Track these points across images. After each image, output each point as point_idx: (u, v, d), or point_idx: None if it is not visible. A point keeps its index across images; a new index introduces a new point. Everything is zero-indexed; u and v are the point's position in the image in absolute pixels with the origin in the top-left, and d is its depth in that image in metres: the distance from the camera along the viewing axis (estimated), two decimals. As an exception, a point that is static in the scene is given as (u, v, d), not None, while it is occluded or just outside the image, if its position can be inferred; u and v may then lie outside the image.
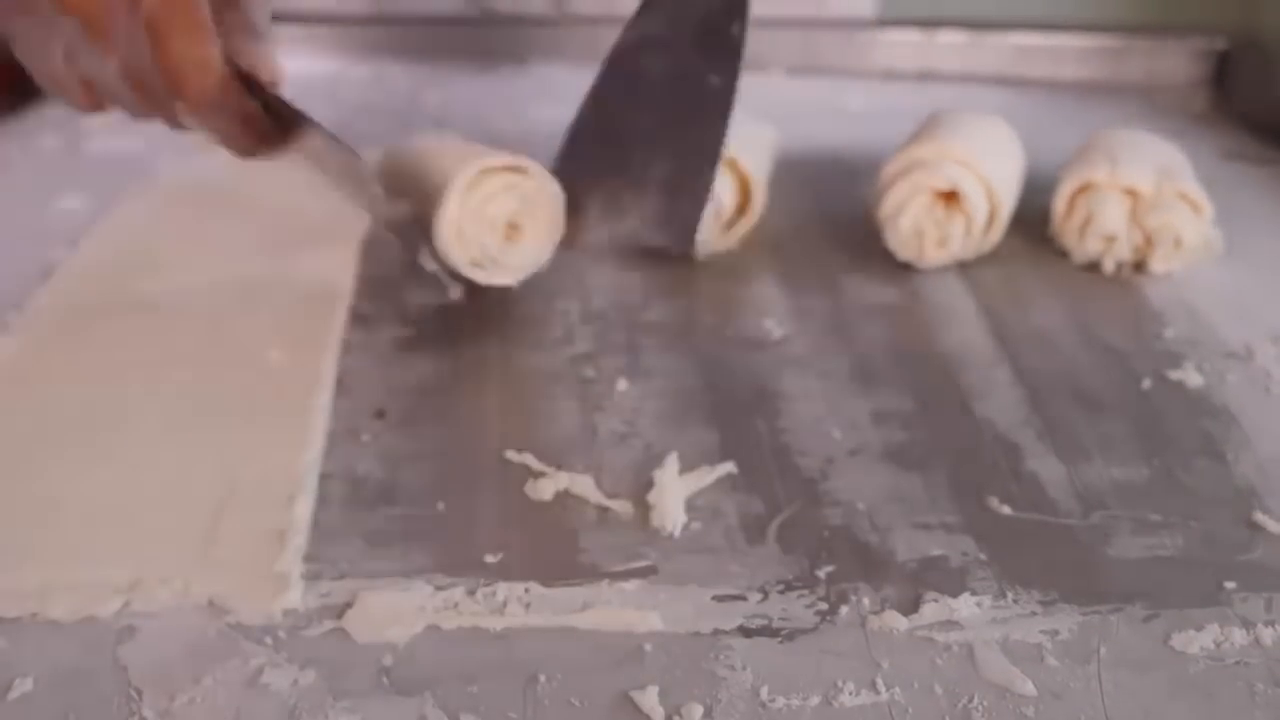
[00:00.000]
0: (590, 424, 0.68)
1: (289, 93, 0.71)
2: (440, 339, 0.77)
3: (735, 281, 0.84)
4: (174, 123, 0.69)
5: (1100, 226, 0.83)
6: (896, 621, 0.54)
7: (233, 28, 0.70)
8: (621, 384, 0.72)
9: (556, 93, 1.05)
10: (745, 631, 0.54)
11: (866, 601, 0.55)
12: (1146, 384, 0.72)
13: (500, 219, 0.75)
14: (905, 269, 0.85)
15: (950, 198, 0.83)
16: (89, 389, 0.70)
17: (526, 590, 0.56)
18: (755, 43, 0.78)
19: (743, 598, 0.56)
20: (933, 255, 0.83)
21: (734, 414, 0.69)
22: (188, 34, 0.64)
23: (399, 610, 0.55)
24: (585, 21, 1.38)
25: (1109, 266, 0.85)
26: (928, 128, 0.88)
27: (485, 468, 0.65)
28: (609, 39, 1.13)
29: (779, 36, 1.31)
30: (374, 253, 0.87)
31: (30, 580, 0.56)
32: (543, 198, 0.77)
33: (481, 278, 0.76)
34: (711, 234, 0.85)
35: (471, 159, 0.75)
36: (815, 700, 0.50)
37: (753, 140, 0.89)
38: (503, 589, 0.56)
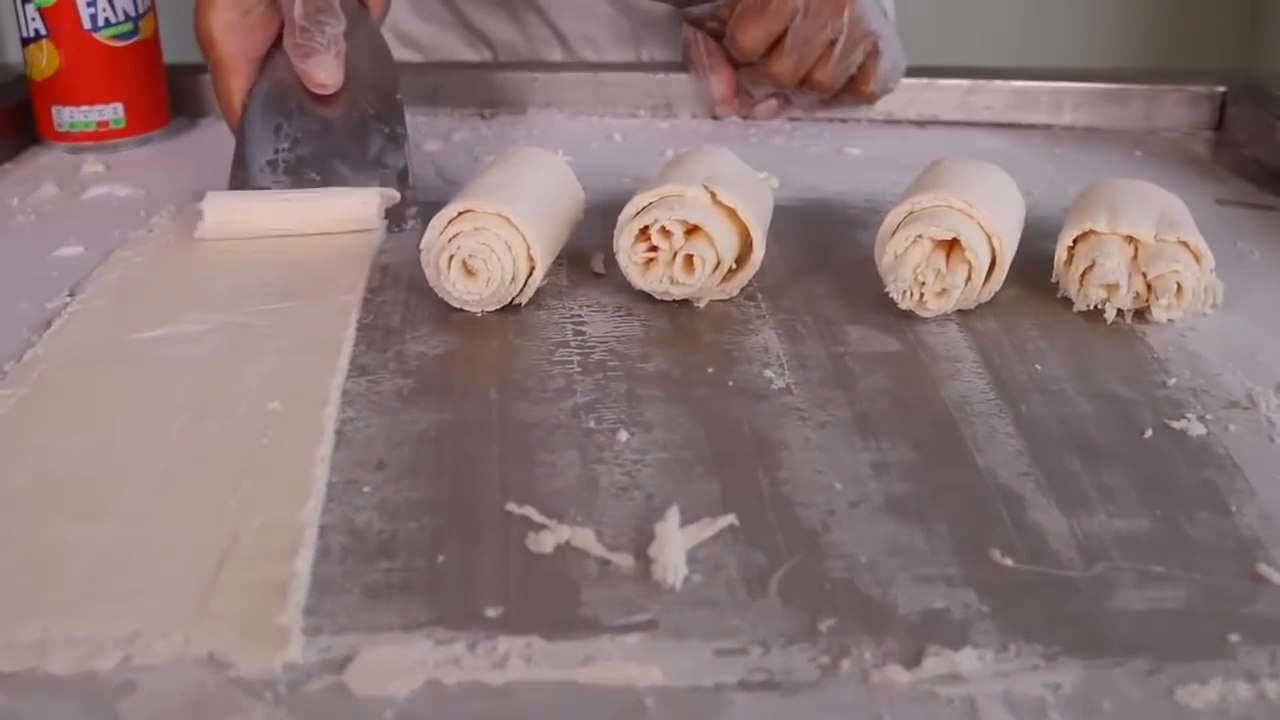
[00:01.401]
0: (591, 476, 0.68)
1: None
2: (441, 390, 0.77)
3: (735, 331, 0.84)
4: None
5: (1101, 275, 0.83)
6: (898, 675, 0.54)
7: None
8: (622, 435, 0.72)
9: (556, 140, 1.06)
10: (747, 686, 0.54)
11: (868, 655, 0.55)
12: (1149, 434, 0.72)
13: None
14: (906, 318, 0.85)
15: (951, 247, 0.83)
16: (87, 440, 0.70)
17: (528, 644, 0.55)
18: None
19: (744, 651, 0.55)
20: (934, 304, 0.83)
21: (735, 465, 0.69)
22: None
23: (400, 664, 0.54)
24: (585, 69, 1.39)
25: (1110, 315, 0.85)
26: (928, 176, 0.88)
27: (486, 520, 0.64)
28: (607, 86, 1.16)
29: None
30: (375, 303, 0.87)
31: (28, 634, 0.55)
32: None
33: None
34: (712, 283, 0.85)
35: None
36: (818, 756, 0.50)
37: (752, 189, 0.89)
38: (504, 643, 0.55)
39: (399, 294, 0.88)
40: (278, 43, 1.04)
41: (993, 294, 0.86)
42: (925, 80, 1.34)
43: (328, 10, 1.00)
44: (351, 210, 0.98)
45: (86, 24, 1.16)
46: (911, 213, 0.84)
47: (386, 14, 1.12)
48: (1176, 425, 0.73)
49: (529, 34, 1.48)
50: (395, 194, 1.00)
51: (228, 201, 0.98)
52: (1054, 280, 0.88)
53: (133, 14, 1.18)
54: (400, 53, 1.45)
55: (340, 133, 1.03)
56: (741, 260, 0.87)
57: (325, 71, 1.01)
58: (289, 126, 1.03)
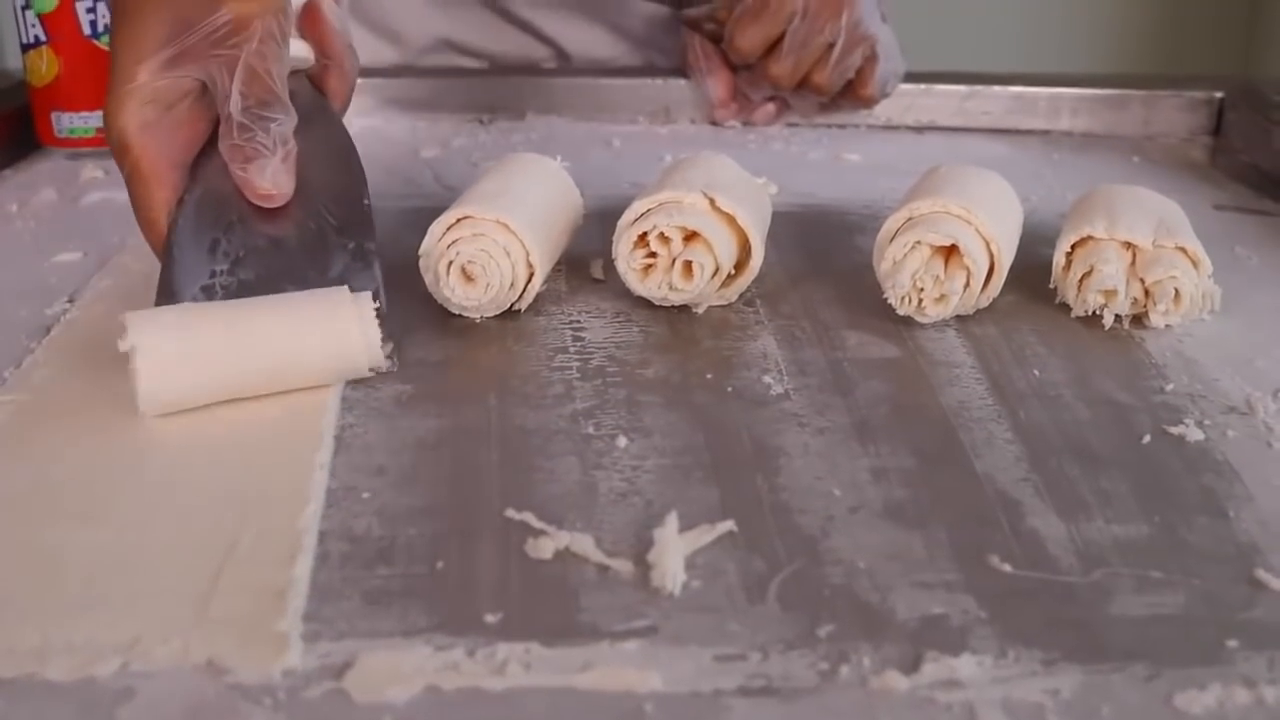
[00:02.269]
0: (590, 482, 0.68)
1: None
2: (440, 396, 0.77)
3: (734, 337, 0.84)
4: None
5: (1100, 281, 0.83)
6: (897, 681, 0.54)
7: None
8: (621, 441, 0.72)
9: (554, 146, 1.06)
10: (746, 691, 0.54)
11: (867, 661, 0.55)
12: (1147, 439, 0.72)
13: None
14: (904, 324, 0.85)
15: (950, 253, 0.83)
16: (87, 446, 0.70)
17: (527, 650, 0.55)
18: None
19: (743, 657, 0.55)
20: (932, 310, 0.83)
21: (734, 471, 0.69)
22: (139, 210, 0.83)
23: (399, 670, 0.54)
24: (583, 74, 1.39)
25: (1108, 320, 0.85)
26: (926, 182, 0.88)
27: (485, 526, 0.64)
28: (605, 92, 1.15)
29: (777, 89, 1.31)
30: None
31: (27, 640, 0.55)
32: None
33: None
34: (711, 289, 0.85)
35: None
36: (817, 762, 0.50)
37: (751, 195, 0.89)
38: (503, 649, 0.55)
39: (398, 300, 0.88)
40: (213, 141, 0.84)
41: (991, 300, 0.86)
42: (923, 86, 1.34)
43: (272, 103, 0.82)
44: (340, 345, 0.76)
45: (86, 30, 1.16)
46: (910, 219, 0.84)
47: (350, 102, 0.96)
48: (1175, 431, 0.73)
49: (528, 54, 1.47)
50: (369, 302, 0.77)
51: (160, 347, 0.72)
52: (1052, 286, 0.88)
53: (132, 20, 1.18)
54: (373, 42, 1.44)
55: (293, 250, 0.82)
56: (740, 266, 0.87)
57: (270, 179, 0.82)
58: (228, 243, 0.82)
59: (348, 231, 0.83)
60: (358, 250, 0.82)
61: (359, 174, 0.87)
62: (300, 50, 0.90)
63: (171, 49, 0.80)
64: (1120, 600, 0.59)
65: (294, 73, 0.87)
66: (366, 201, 0.84)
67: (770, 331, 0.85)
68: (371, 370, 0.77)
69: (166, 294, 0.79)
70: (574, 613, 0.58)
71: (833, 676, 0.54)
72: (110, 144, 0.82)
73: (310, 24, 0.92)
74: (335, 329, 0.75)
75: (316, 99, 0.92)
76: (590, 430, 0.73)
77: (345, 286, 0.77)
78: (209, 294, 0.79)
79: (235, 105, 0.80)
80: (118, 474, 0.68)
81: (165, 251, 0.81)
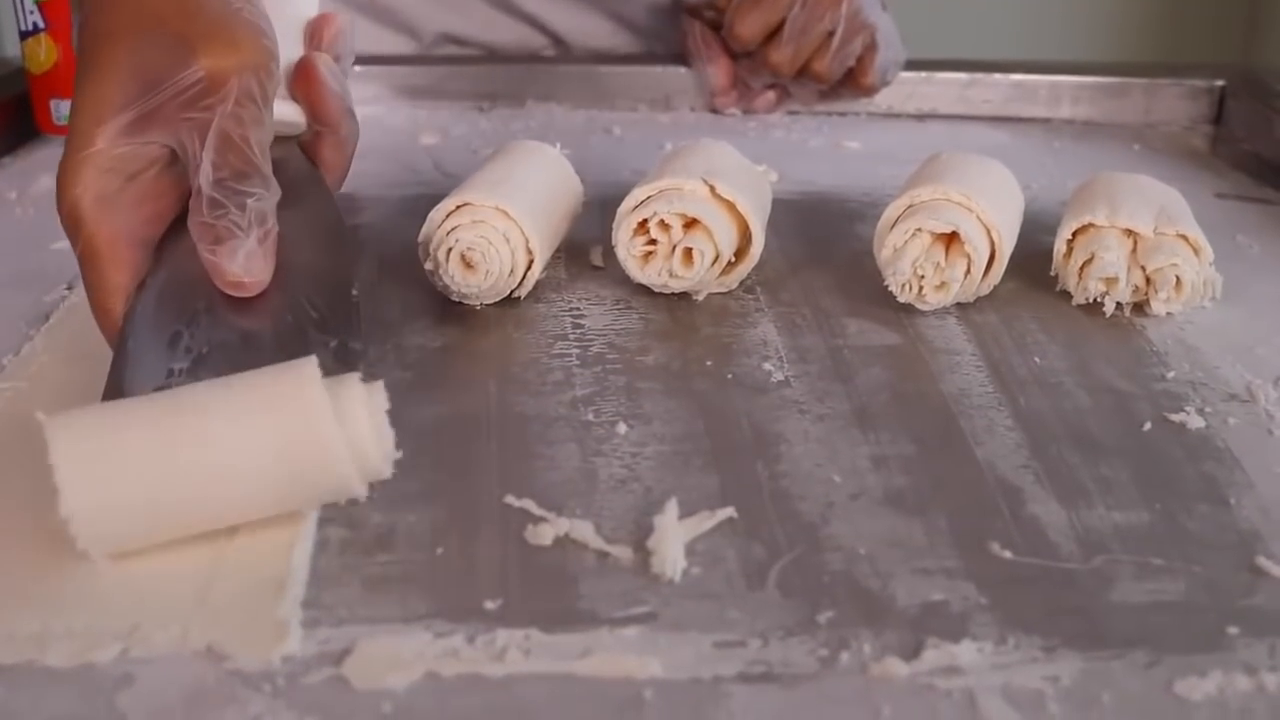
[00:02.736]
0: (590, 469, 0.68)
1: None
2: (439, 382, 0.77)
3: (734, 324, 0.84)
4: None
5: (1101, 268, 0.83)
6: (897, 668, 0.54)
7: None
8: (621, 428, 0.71)
9: (554, 133, 1.06)
10: (745, 678, 0.53)
11: (867, 648, 0.55)
12: (1148, 427, 0.72)
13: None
14: (905, 311, 0.85)
15: (950, 240, 0.83)
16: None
17: (526, 637, 0.55)
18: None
19: (743, 644, 0.55)
20: (933, 298, 0.83)
21: (734, 458, 0.69)
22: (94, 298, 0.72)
23: (398, 657, 0.54)
24: (583, 62, 1.39)
25: (1109, 308, 0.84)
26: (927, 170, 0.88)
27: (485, 513, 0.64)
28: (605, 80, 1.14)
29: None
30: (374, 296, 0.87)
31: (27, 626, 0.55)
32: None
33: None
34: (711, 276, 0.85)
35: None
36: (817, 748, 0.50)
37: (751, 183, 0.89)
38: (502, 635, 0.55)
39: (398, 287, 0.88)
40: (181, 219, 0.72)
41: (992, 287, 0.86)
42: (924, 74, 1.34)
43: (250, 175, 0.70)
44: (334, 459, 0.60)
45: (85, 17, 1.16)
46: (910, 206, 0.84)
47: (346, 176, 0.84)
48: (1175, 418, 0.73)
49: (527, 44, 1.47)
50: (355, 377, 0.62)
51: (89, 486, 0.58)
52: (1053, 274, 0.88)
53: (131, 7, 1.18)
54: (391, 37, 1.44)
55: (266, 348, 0.69)
56: (740, 253, 0.87)
57: (242, 264, 0.70)
58: (191, 337, 0.70)
59: (330, 327, 0.70)
60: (340, 349, 0.69)
61: (349, 259, 0.76)
62: (291, 114, 0.80)
63: (135, 110, 0.69)
64: (1121, 587, 0.59)
65: (283, 139, 0.79)
66: (355, 292, 0.73)
67: (770, 319, 0.85)
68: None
69: (115, 395, 0.67)
70: (574, 599, 0.58)
71: (833, 663, 0.54)
72: (61, 218, 0.71)
73: (303, 84, 0.80)
74: (322, 442, 0.59)
75: (307, 171, 0.81)
76: (590, 417, 0.73)
77: (355, 375, 0.62)
78: None
79: (206, 177, 0.69)
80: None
81: (118, 344, 0.70)
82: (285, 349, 0.68)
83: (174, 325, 0.70)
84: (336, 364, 0.67)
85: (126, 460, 0.57)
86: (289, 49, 0.78)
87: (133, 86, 0.69)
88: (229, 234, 0.70)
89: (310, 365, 0.60)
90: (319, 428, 0.58)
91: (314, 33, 0.84)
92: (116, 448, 0.58)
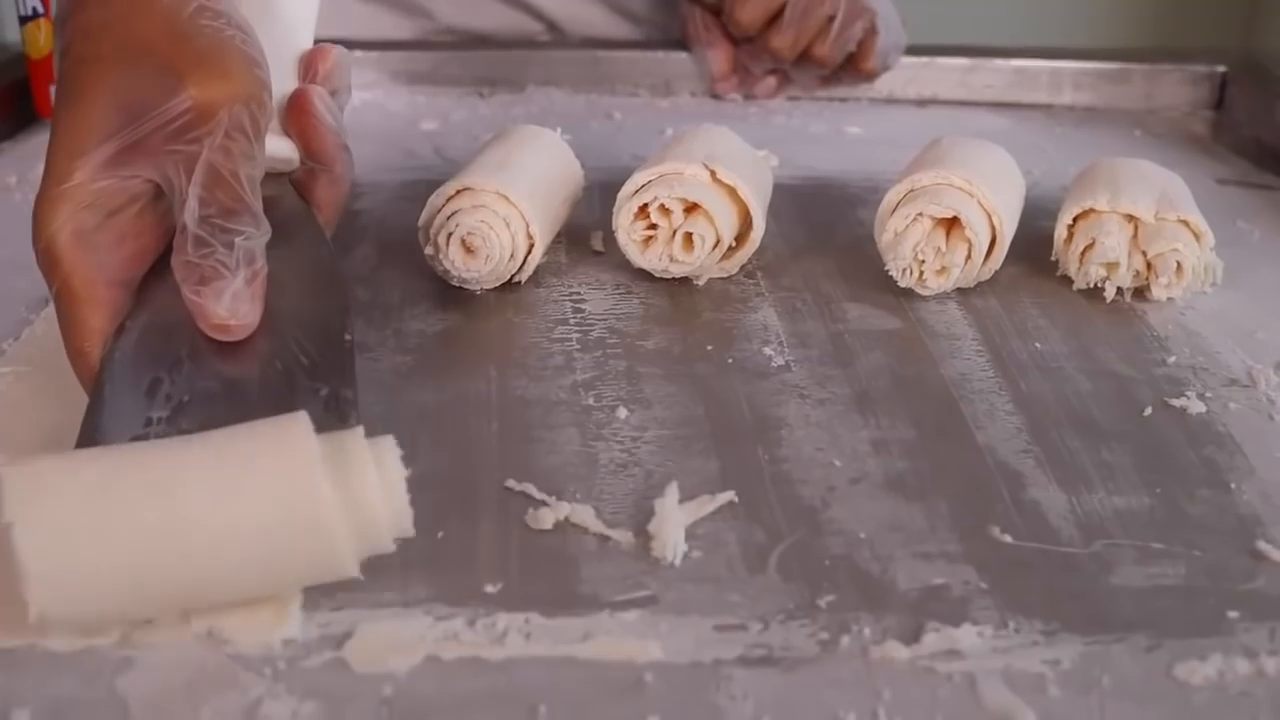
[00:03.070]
0: (590, 453, 0.68)
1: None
2: (440, 367, 0.77)
3: (735, 309, 0.84)
4: None
5: (1101, 253, 0.83)
6: (898, 651, 0.54)
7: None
8: (621, 412, 0.71)
9: (555, 118, 1.05)
10: (746, 661, 0.54)
11: (868, 631, 0.55)
12: (1148, 411, 0.72)
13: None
14: (906, 296, 0.85)
15: (951, 225, 0.83)
16: (87, 417, 0.69)
17: (527, 620, 0.55)
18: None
19: (744, 627, 0.55)
20: (933, 282, 0.83)
21: (734, 442, 0.69)
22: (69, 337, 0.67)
23: (399, 640, 0.54)
24: (584, 47, 1.39)
25: (1110, 293, 0.84)
26: (928, 154, 0.88)
27: (485, 497, 0.64)
28: (606, 65, 1.13)
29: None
30: (374, 280, 0.87)
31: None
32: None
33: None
34: (711, 261, 0.85)
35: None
36: (817, 731, 0.50)
37: (751, 168, 0.89)
38: (503, 619, 0.55)
39: (397, 273, 0.88)
40: (164, 259, 0.68)
41: (992, 272, 0.85)
42: (925, 59, 1.34)
43: (239, 212, 0.65)
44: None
45: (84, 2, 1.16)
46: (911, 190, 0.84)
47: (339, 215, 0.79)
48: (1176, 403, 0.73)
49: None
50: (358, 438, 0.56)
51: (53, 560, 0.51)
52: (1054, 259, 0.88)
53: (131, -8, 1.18)
54: (392, 20, 1.43)
55: (252, 396, 0.65)
56: (741, 238, 0.87)
57: (228, 306, 0.65)
58: (171, 384, 0.64)
59: (321, 374, 0.65)
60: (331, 399, 0.64)
61: (342, 303, 0.70)
62: (283, 149, 0.75)
63: (117, 142, 0.65)
64: (1121, 571, 0.59)
65: (274, 176, 0.74)
66: (349, 337, 0.67)
67: (771, 303, 0.85)
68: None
69: (89, 445, 0.61)
70: (574, 583, 0.58)
71: (833, 647, 0.54)
72: (36, 256, 0.67)
73: (297, 118, 0.76)
74: (315, 525, 0.53)
75: (299, 209, 0.76)
76: (590, 401, 0.73)
77: (358, 432, 0.56)
78: None
79: (192, 213, 0.64)
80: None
81: (94, 391, 0.65)
82: (273, 397, 0.64)
83: (154, 371, 0.65)
84: (327, 414, 0.62)
85: (92, 542, 0.51)
86: (282, 81, 0.74)
87: (116, 117, 0.65)
88: (215, 274, 0.65)
89: (302, 426, 0.55)
90: (311, 510, 0.53)
91: (309, 65, 0.80)
92: (81, 527, 0.51)
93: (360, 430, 0.56)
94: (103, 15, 0.67)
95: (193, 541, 0.52)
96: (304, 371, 0.65)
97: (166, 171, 0.65)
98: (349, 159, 0.78)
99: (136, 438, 0.61)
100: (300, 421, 0.55)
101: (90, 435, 0.62)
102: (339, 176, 0.77)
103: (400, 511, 0.55)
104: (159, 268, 0.69)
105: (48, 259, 0.67)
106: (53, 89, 1.17)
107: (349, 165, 0.78)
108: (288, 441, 0.54)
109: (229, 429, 0.55)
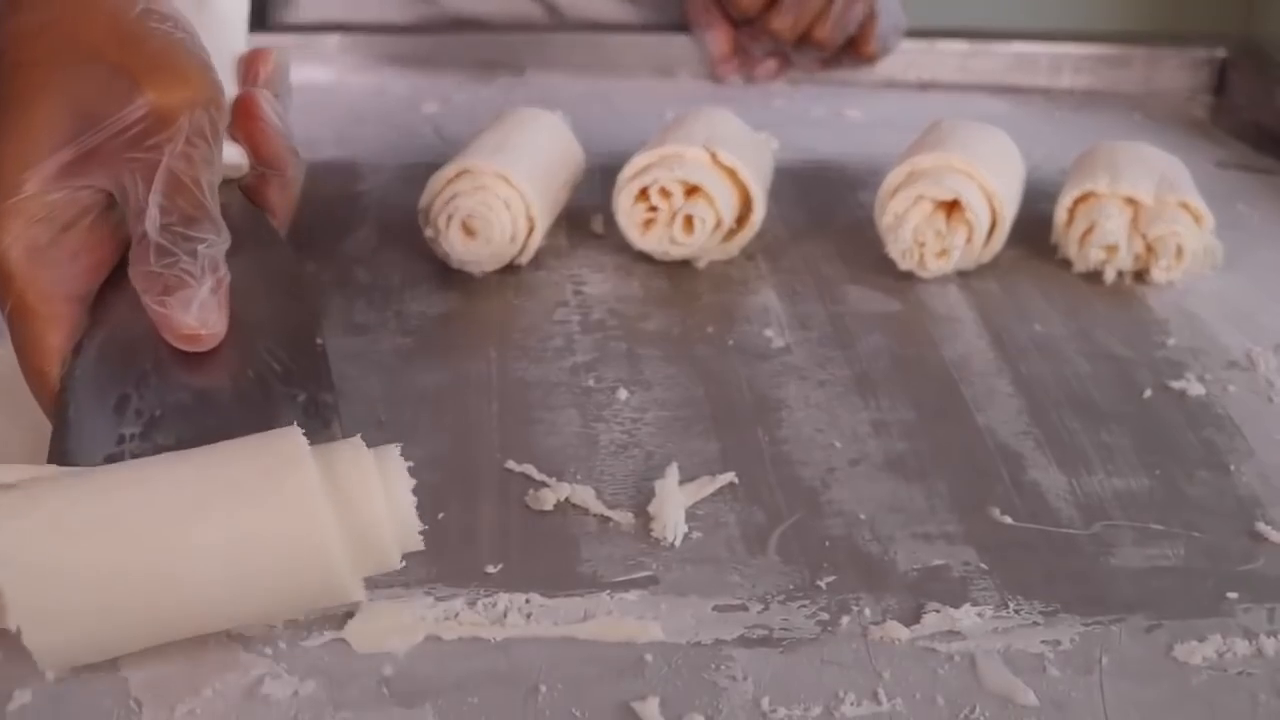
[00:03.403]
0: (591, 434, 0.68)
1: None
2: (441, 349, 0.77)
3: (735, 291, 0.84)
4: None
5: (1101, 236, 0.83)
6: (898, 632, 0.54)
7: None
8: (622, 394, 0.72)
9: (555, 101, 1.05)
10: (746, 642, 0.54)
11: (868, 612, 0.55)
12: (1148, 394, 0.72)
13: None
14: (906, 278, 0.85)
15: (952, 208, 0.83)
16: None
17: (527, 600, 0.56)
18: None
19: (744, 608, 0.56)
20: (934, 265, 0.83)
21: (735, 424, 0.69)
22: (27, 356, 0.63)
23: (399, 620, 0.55)
24: (584, 30, 1.38)
25: (1110, 276, 0.85)
26: (928, 137, 0.88)
27: (486, 478, 0.64)
28: (606, 48, 1.12)
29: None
30: (374, 262, 0.87)
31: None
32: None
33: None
34: (712, 244, 0.85)
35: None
36: (817, 711, 0.50)
37: (752, 150, 0.89)
38: (503, 599, 0.56)
39: (398, 255, 0.88)
40: (122, 269, 0.64)
41: (993, 255, 0.85)
42: (925, 43, 1.33)
43: (201, 220, 0.62)
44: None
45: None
46: (912, 173, 0.84)
47: (290, 218, 0.75)
48: (1176, 385, 0.73)
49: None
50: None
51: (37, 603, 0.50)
52: (1054, 242, 0.88)
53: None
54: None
55: (227, 406, 0.62)
56: (741, 221, 0.87)
57: (197, 315, 0.62)
58: (141, 399, 0.62)
59: (296, 380, 0.63)
60: (310, 404, 0.62)
61: (310, 306, 0.69)
62: (232, 155, 0.71)
63: (70, 151, 0.61)
64: (1121, 552, 0.59)
65: (224, 183, 0.69)
66: (320, 341, 0.65)
67: (771, 286, 0.85)
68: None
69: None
70: (574, 563, 0.58)
71: (833, 627, 0.55)
72: None
73: (243, 122, 0.72)
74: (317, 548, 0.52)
75: (252, 214, 0.73)
76: (591, 383, 0.73)
77: (357, 439, 0.55)
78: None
79: (153, 222, 0.61)
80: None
81: (58, 412, 0.61)
82: (248, 406, 0.62)
83: (120, 388, 0.62)
84: (309, 420, 0.60)
85: (83, 578, 0.50)
86: (225, 85, 0.68)
87: (65, 125, 0.61)
88: (180, 283, 0.61)
89: (297, 443, 0.53)
90: (313, 541, 0.51)
91: (249, 67, 0.76)
92: (69, 564, 0.50)
93: (360, 442, 0.54)
94: (40, 18, 0.63)
95: (189, 579, 0.50)
96: (278, 378, 0.63)
97: (123, 180, 0.61)
98: (299, 162, 0.74)
99: (110, 456, 0.59)
100: (294, 439, 0.53)
101: (60, 457, 0.59)
102: (290, 180, 0.73)
103: (407, 526, 0.54)
104: (113, 280, 0.65)
105: (2, 278, 0.61)
106: None
107: (300, 168, 0.74)
108: (285, 463, 0.52)
109: (218, 447, 0.54)
